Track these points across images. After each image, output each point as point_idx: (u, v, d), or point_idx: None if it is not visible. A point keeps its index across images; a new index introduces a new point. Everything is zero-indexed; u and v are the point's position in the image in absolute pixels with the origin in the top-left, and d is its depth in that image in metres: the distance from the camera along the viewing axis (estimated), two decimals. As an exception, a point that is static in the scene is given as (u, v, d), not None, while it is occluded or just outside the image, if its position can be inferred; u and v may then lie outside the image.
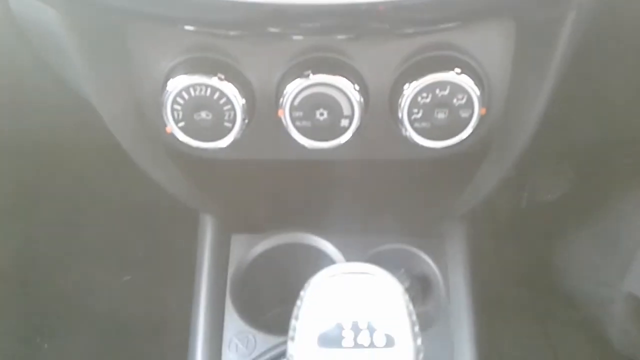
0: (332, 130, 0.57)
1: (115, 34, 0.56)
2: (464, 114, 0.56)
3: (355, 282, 0.38)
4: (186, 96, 0.56)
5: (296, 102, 0.56)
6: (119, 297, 1.38)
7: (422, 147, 0.58)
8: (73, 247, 1.39)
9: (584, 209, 0.92)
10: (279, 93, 0.57)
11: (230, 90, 0.56)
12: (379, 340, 0.36)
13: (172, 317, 1.29)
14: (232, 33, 0.55)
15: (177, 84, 0.55)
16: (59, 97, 0.70)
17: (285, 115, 0.57)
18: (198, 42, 0.57)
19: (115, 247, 1.42)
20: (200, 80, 0.55)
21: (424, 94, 0.55)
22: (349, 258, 0.85)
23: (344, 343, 0.36)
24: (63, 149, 1.07)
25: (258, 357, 0.79)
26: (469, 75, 0.55)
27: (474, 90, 0.55)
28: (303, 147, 0.59)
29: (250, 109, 0.58)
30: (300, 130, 0.58)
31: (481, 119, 0.56)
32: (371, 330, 0.36)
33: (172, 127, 0.58)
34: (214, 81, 0.55)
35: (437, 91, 0.55)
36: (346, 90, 0.55)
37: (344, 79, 0.55)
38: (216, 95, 0.56)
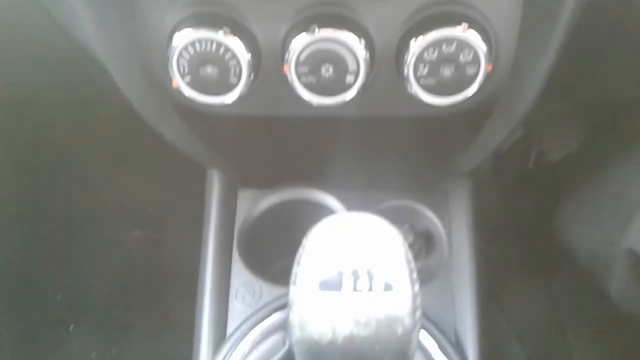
0: (337, 86, 0.58)
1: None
2: (470, 71, 0.56)
3: (355, 230, 0.39)
4: (192, 51, 0.56)
5: (302, 58, 0.56)
6: (130, 251, 1.41)
7: (428, 104, 0.58)
8: (84, 203, 1.41)
9: (589, 168, 0.93)
10: (284, 48, 0.57)
11: (236, 45, 0.56)
12: (378, 285, 0.37)
13: (181, 270, 1.32)
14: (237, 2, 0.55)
15: (183, 38, 0.55)
16: (69, 55, 0.70)
17: (290, 70, 0.57)
18: (203, -4, 0.56)
19: (126, 203, 1.44)
20: (205, 35, 0.55)
21: (431, 50, 0.55)
22: None
23: (343, 288, 0.37)
24: (73, 105, 1.08)
25: (264, 306, 0.81)
26: (476, 31, 0.54)
27: (481, 47, 0.55)
28: (308, 103, 0.59)
29: (255, 64, 0.58)
30: (306, 85, 0.58)
31: (487, 76, 0.56)
32: (370, 276, 0.38)
33: (178, 82, 0.58)
34: (220, 36, 0.55)
35: (444, 47, 0.55)
36: (352, 45, 0.55)
37: (351, 34, 0.55)
38: (222, 50, 0.56)
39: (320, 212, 0.90)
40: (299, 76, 0.57)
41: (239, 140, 0.77)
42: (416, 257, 0.87)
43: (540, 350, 1.28)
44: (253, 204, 0.90)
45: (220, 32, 0.55)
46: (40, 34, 0.71)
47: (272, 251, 0.89)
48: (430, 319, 0.79)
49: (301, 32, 0.55)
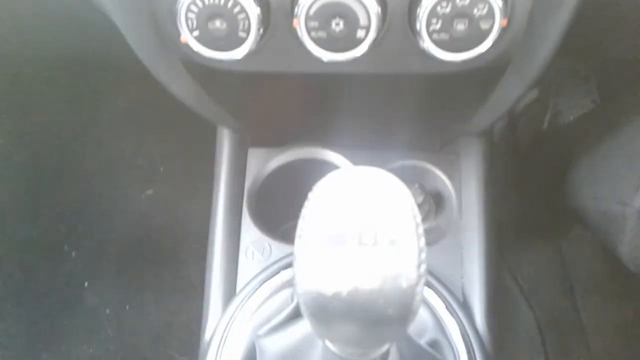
0: (348, 41, 0.56)
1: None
2: (485, 25, 0.54)
3: (361, 184, 0.39)
4: (200, 4, 0.55)
5: (312, 12, 0.55)
6: (142, 209, 1.42)
7: (440, 60, 0.57)
8: (97, 162, 1.42)
9: (604, 129, 0.91)
10: (294, 2, 0.55)
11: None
12: (383, 239, 0.37)
13: (192, 228, 1.34)
14: None
15: None
16: (76, 9, 0.69)
17: (300, 25, 0.56)
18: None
19: (138, 162, 1.45)
20: None
21: (444, 4, 0.53)
22: None
23: (348, 241, 0.37)
24: (83, 61, 1.07)
25: (273, 264, 0.82)
26: None
27: (496, 0, 0.53)
28: (318, 59, 0.58)
29: (265, 19, 0.57)
30: (316, 41, 0.57)
31: (502, 31, 0.55)
32: (375, 229, 0.37)
33: (187, 37, 0.57)
34: None
35: (457, 0, 0.53)
36: None
37: None
38: (230, 3, 0.54)
39: (330, 171, 0.89)
40: (308, 31, 0.56)
41: (248, 98, 0.77)
42: (426, 217, 0.88)
43: (548, 313, 1.29)
44: (263, 163, 0.90)
45: None
46: None
47: (281, 209, 0.89)
48: (438, 279, 0.79)
49: (311, -16, 0.54)
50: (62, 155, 1.39)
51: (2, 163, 1.29)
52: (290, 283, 0.80)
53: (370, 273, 0.37)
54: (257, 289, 0.80)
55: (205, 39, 0.57)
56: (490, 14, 0.54)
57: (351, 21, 0.55)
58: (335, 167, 0.89)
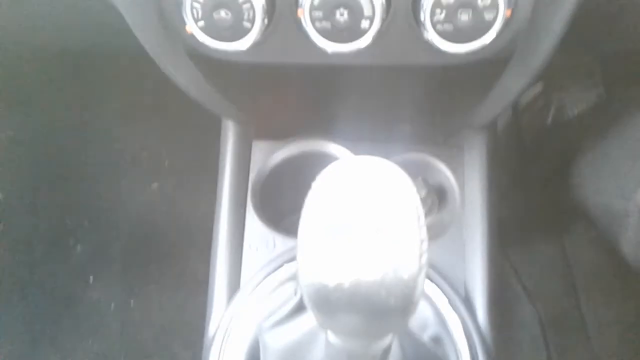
0: (352, 32, 0.57)
1: None
2: (489, 16, 0.54)
3: (363, 174, 0.39)
4: None
5: (316, 1, 0.55)
6: (148, 203, 1.43)
7: (444, 51, 0.57)
8: (102, 155, 1.43)
9: (608, 123, 0.91)
10: None
11: None
12: (385, 229, 0.37)
13: (196, 221, 1.34)
14: None
15: None
16: (85, 3, 0.70)
17: (304, 15, 0.56)
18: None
19: (143, 156, 1.46)
20: None
21: None
22: None
23: (350, 231, 0.38)
24: (87, 54, 1.08)
25: (277, 257, 0.82)
26: None
27: (500, -10, 0.53)
28: (322, 50, 0.58)
29: (269, 9, 0.57)
30: (320, 31, 0.57)
31: (506, 21, 0.55)
32: (377, 220, 0.38)
33: (192, 27, 0.58)
34: None
35: None
36: None
37: None
38: None
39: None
40: (313, 21, 0.56)
41: (253, 89, 0.77)
42: (429, 211, 0.88)
43: (550, 310, 1.29)
44: (267, 156, 0.91)
45: None
46: None
47: (285, 203, 0.89)
48: (440, 273, 0.79)
49: (315, -26, 0.54)
50: (66, 150, 1.40)
51: (5, 157, 1.29)
52: (293, 276, 0.80)
53: (371, 264, 0.37)
54: (260, 282, 0.80)
55: (211, 30, 0.58)
56: (494, 5, 0.54)
57: (355, 11, 0.55)
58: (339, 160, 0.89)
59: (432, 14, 0.55)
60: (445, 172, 0.88)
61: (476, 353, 0.76)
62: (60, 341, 1.27)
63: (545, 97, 1.38)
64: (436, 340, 0.76)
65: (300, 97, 0.79)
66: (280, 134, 0.90)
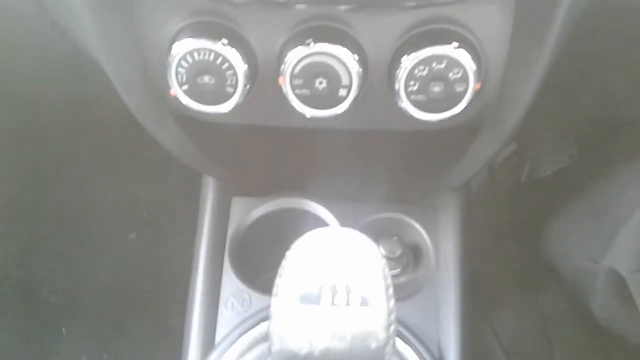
0: (330, 99, 0.59)
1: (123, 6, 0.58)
2: (459, 88, 0.57)
3: (335, 245, 0.41)
4: (190, 60, 0.58)
5: (296, 70, 0.58)
6: (124, 254, 1.42)
7: (417, 119, 0.60)
8: (80, 205, 1.42)
9: (579, 185, 0.94)
10: (280, 60, 0.58)
11: (233, 55, 0.57)
12: (355, 300, 0.39)
13: (173, 275, 1.33)
14: (237, 1, 0.57)
15: (182, 47, 0.57)
16: (67, 56, 0.72)
17: (285, 82, 0.58)
18: (203, 6, 0.58)
19: (121, 206, 1.45)
20: (204, 45, 0.57)
21: (421, 67, 0.57)
22: (344, 225, 0.88)
23: (322, 302, 0.39)
24: (70, 105, 1.09)
25: (252, 315, 0.82)
26: (466, 50, 0.56)
27: (470, 65, 0.56)
28: (301, 114, 0.60)
29: (252, 75, 0.59)
30: (300, 98, 0.59)
31: (476, 93, 0.58)
32: (348, 291, 0.39)
33: (176, 90, 0.60)
34: (218, 46, 0.57)
35: (434, 64, 0.56)
36: (345, 60, 0.57)
37: (344, 48, 0.57)
38: (219, 60, 0.57)
39: (311, 222, 0.91)
40: (293, 88, 0.59)
41: (234, 148, 0.79)
42: (403, 270, 0.89)
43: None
44: (246, 212, 0.92)
45: (219, 43, 0.57)
46: (39, 34, 0.72)
47: (262, 259, 0.90)
48: (413, 333, 0.80)
49: (297, 45, 0.57)
50: (44, 196, 1.39)
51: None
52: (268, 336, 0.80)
53: (341, 334, 0.39)
54: (235, 341, 0.80)
55: (194, 93, 0.60)
56: (465, 78, 0.57)
57: (334, 80, 0.58)
58: (317, 218, 0.91)
59: (407, 85, 0.58)
60: (420, 232, 0.90)
61: None
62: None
63: (520, 156, 1.42)
64: None
65: (279, 157, 0.81)
66: (259, 191, 0.92)
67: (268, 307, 0.81)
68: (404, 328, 0.78)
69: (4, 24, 0.72)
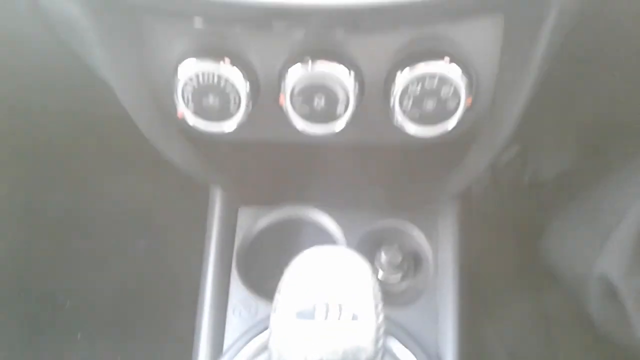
0: (329, 115, 0.62)
1: (131, 24, 0.61)
2: (451, 104, 0.60)
3: (330, 263, 0.45)
4: (195, 81, 0.61)
5: (296, 89, 0.61)
6: (134, 261, 1.45)
7: (412, 134, 0.62)
8: (90, 212, 1.46)
9: (578, 189, 0.96)
10: (280, 79, 0.61)
11: (236, 76, 0.60)
12: (346, 315, 0.43)
13: (182, 283, 1.36)
14: (238, 29, 0.60)
15: (187, 71, 0.60)
16: (81, 80, 0.75)
17: (285, 100, 0.61)
18: (207, 30, 0.61)
19: (131, 213, 1.49)
20: (208, 66, 0.60)
21: (415, 84, 0.59)
22: (347, 233, 0.91)
23: (316, 317, 0.43)
24: (79, 115, 1.12)
25: (259, 322, 0.86)
26: (458, 66, 0.59)
27: (461, 82, 0.59)
28: (302, 130, 0.64)
29: (254, 95, 0.62)
30: (300, 114, 0.62)
31: (467, 109, 0.61)
32: (340, 306, 0.43)
33: (183, 111, 0.63)
34: (222, 68, 0.60)
35: (427, 81, 0.59)
36: (343, 78, 0.60)
37: (342, 67, 0.60)
38: (223, 81, 0.60)
39: (315, 230, 0.94)
40: (293, 105, 0.62)
41: (241, 162, 0.82)
42: (404, 277, 0.92)
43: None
44: (252, 222, 0.95)
45: (222, 65, 0.60)
46: (46, 51, 0.75)
47: (269, 268, 0.93)
48: (413, 338, 0.82)
49: (296, 65, 0.60)
50: (55, 202, 1.42)
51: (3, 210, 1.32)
52: None
53: (333, 347, 0.43)
54: (242, 347, 0.83)
55: (200, 113, 0.63)
56: (456, 94, 0.59)
57: (332, 97, 0.61)
58: (320, 226, 0.94)
59: (401, 101, 0.60)
60: (420, 239, 0.92)
61: None
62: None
63: (522, 158, 1.44)
64: None
65: (283, 168, 0.85)
66: (265, 201, 0.95)
67: None
68: (404, 333, 0.81)
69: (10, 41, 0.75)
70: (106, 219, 1.46)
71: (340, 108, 0.62)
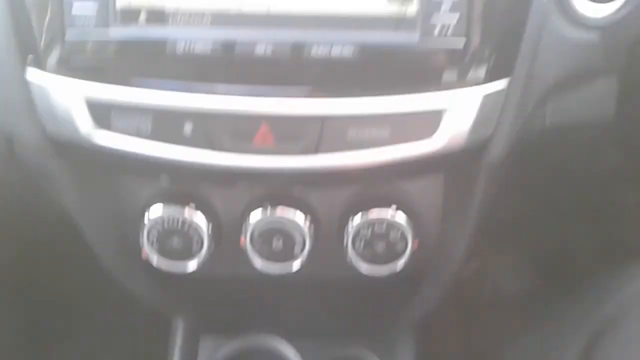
0: (286, 255, 0.66)
1: (102, 175, 0.66)
2: (399, 247, 0.65)
3: None
4: (161, 224, 0.65)
5: (256, 232, 0.65)
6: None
7: (364, 272, 0.67)
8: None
9: (527, 314, 1.00)
10: (241, 222, 0.66)
11: (199, 219, 0.65)
12: None
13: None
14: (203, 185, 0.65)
15: (154, 213, 0.64)
16: (44, 211, 0.78)
17: (246, 242, 0.66)
18: (173, 178, 0.66)
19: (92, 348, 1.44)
20: (173, 212, 0.64)
21: (366, 228, 0.65)
22: None
23: None
24: (42, 256, 1.12)
25: None
26: (404, 212, 0.65)
27: (407, 227, 0.64)
28: (261, 269, 0.67)
29: (216, 236, 0.67)
30: (259, 255, 0.66)
31: (414, 250, 0.66)
32: None
33: (148, 251, 0.66)
34: (186, 212, 0.64)
35: (376, 226, 0.65)
36: (300, 222, 0.65)
37: (299, 212, 0.65)
38: (187, 224, 0.65)
39: (277, 359, 0.95)
40: (253, 246, 0.66)
41: (202, 294, 0.84)
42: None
43: None
44: (214, 351, 0.95)
45: (187, 210, 0.65)
46: (20, 193, 0.78)
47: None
48: None
49: (256, 209, 0.65)
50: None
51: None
52: None
53: None
54: None
55: (164, 253, 0.66)
56: (403, 238, 0.65)
57: (289, 240, 0.65)
58: (283, 355, 0.94)
59: (354, 243, 0.65)
60: (380, 366, 0.94)
61: None
62: None
63: (482, 275, 1.48)
64: None
65: (244, 300, 0.87)
66: (227, 329, 0.96)
67: None
68: None
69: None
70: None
71: (297, 249, 0.66)
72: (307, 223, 0.65)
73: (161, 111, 0.55)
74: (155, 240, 0.65)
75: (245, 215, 0.66)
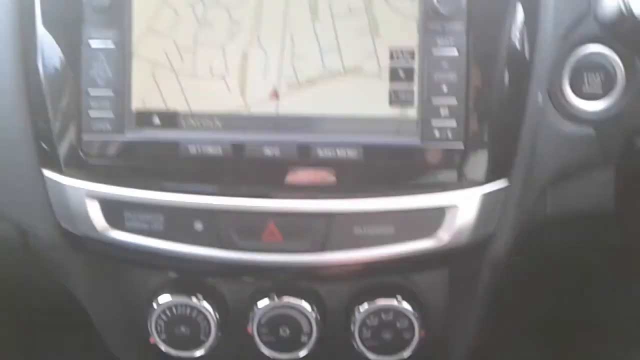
0: (293, 344, 0.67)
1: (113, 267, 0.67)
2: (406, 335, 0.65)
3: None
4: (169, 313, 0.65)
5: (263, 320, 0.66)
6: None
7: None
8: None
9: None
10: (248, 311, 0.67)
11: (207, 308, 0.66)
12: None
13: None
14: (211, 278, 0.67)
15: (162, 304, 0.65)
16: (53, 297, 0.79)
17: (253, 330, 0.66)
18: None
19: None
20: (182, 301, 0.65)
21: (372, 317, 0.65)
22: None
23: None
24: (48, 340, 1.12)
25: None
26: (410, 304, 0.65)
27: (414, 316, 0.65)
28: (268, 357, 0.67)
29: (223, 324, 0.67)
30: (266, 343, 0.67)
31: (421, 339, 0.66)
32: None
33: (156, 339, 0.67)
34: (194, 302, 0.65)
35: (383, 315, 0.65)
36: (306, 311, 0.65)
37: (304, 301, 0.66)
38: (195, 313, 0.65)
39: None
40: (259, 335, 0.66)
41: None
42: None
43: None
44: None
45: (195, 299, 0.65)
46: (36, 282, 0.80)
47: None
48: None
49: (263, 299, 0.66)
50: None
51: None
52: None
53: None
54: None
55: (171, 341, 0.67)
56: (410, 327, 0.65)
57: (296, 328, 0.66)
58: None
59: (360, 332, 0.66)
60: None
61: None
62: None
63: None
64: None
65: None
66: None
67: None
68: None
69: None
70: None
71: (304, 337, 0.66)
72: (314, 312, 0.66)
73: (173, 211, 0.57)
74: (163, 328, 0.66)
75: (252, 303, 0.67)
